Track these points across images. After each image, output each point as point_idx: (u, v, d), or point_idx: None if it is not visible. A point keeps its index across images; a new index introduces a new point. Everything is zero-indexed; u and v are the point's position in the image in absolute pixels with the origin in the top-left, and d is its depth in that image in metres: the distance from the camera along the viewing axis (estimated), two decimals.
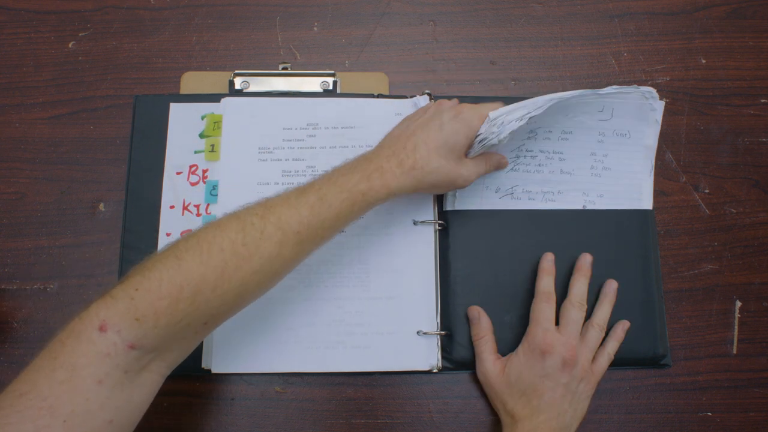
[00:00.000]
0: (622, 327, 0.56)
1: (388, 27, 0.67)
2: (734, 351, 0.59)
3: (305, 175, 0.59)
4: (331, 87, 0.63)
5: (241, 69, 0.64)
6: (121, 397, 0.39)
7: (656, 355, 0.57)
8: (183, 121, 0.61)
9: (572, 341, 0.53)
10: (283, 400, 0.56)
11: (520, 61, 0.66)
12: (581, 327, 0.54)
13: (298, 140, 0.60)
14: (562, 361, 0.52)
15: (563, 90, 0.65)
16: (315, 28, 0.67)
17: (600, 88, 0.64)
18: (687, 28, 0.68)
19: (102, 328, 0.38)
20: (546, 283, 0.56)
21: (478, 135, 0.52)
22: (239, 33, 0.66)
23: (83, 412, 0.36)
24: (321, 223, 0.46)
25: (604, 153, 0.59)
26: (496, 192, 0.58)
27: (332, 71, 0.63)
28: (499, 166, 0.58)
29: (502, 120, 0.51)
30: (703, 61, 0.67)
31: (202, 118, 0.61)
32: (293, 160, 0.60)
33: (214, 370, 0.55)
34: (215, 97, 0.61)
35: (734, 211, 0.62)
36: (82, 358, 0.37)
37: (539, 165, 0.59)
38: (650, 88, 0.56)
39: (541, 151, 0.59)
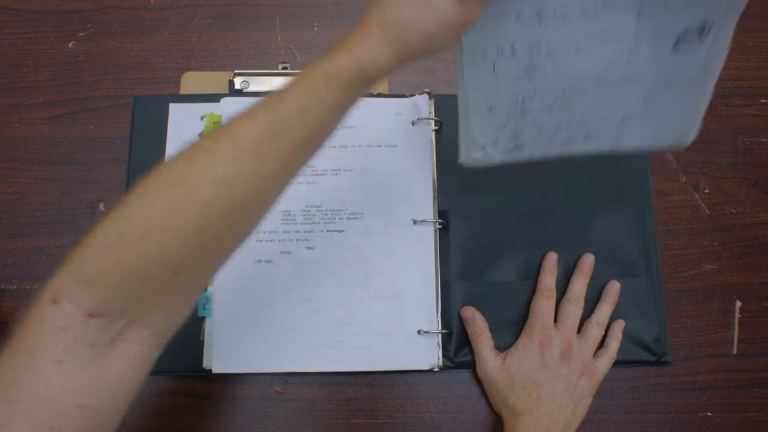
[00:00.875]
0: (620, 326, 0.56)
1: None
2: (734, 351, 0.58)
3: (305, 175, 0.59)
4: None
5: (241, 69, 0.64)
6: (90, 376, 0.33)
7: (656, 353, 0.57)
8: (183, 122, 0.61)
9: (568, 334, 0.53)
10: (283, 400, 0.56)
11: None
12: (578, 323, 0.55)
13: None
14: (560, 352, 0.52)
15: None
16: (315, 28, 0.67)
17: None
18: None
19: (55, 301, 0.33)
20: (548, 280, 0.56)
21: None
22: (239, 33, 0.66)
23: (45, 398, 0.32)
24: (282, 125, 0.36)
25: None
26: (517, 18, 0.44)
27: None
28: None
29: None
30: None
31: (202, 118, 0.61)
32: None
33: (215, 370, 0.55)
34: (215, 98, 0.61)
35: (734, 211, 0.62)
36: (39, 337, 0.33)
37: None
38: None
39: None
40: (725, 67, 0.65)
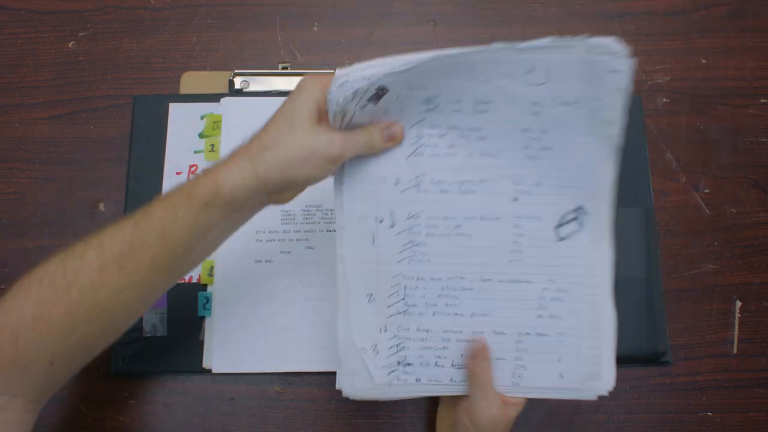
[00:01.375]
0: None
1: (388, 27, 0.67)
2: (734, 351, 0.58)
3: None
4: None
5: (241, 69, 0.64)
6: None
7: (657, 353, 0.57)
8: (182, 122, 0.61)
9: None
10: (283, 400, 0.56)
11: None
12: None
13: None
14: None
15: None
16: (315, 28, 0.67)
17: None
18: (687, 28, 0.68)
19: None
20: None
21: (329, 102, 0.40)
22: (239, 33, 0.66)
23: None
24: (144, 240, 0.39)
25: (542, 129, 0.43)
26: (396, 184, 0.44)
27: (332, 71, 0.63)
28: (392, 139, 0.43)
29: (347, 78, 0.39)
30: (703, 61, 0.67)
31: (202, 118, 0.61)
32: None
33: (215, 370, 0.55)
34: (215, 97, 0.62)
35: (734, 211, 0.62)
36: None
37: (451, 146, 0.43)
38: (607, 40, 0.39)
39: (452, 128, 0.43)
40: (725, 67, 0.66)
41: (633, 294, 0.57)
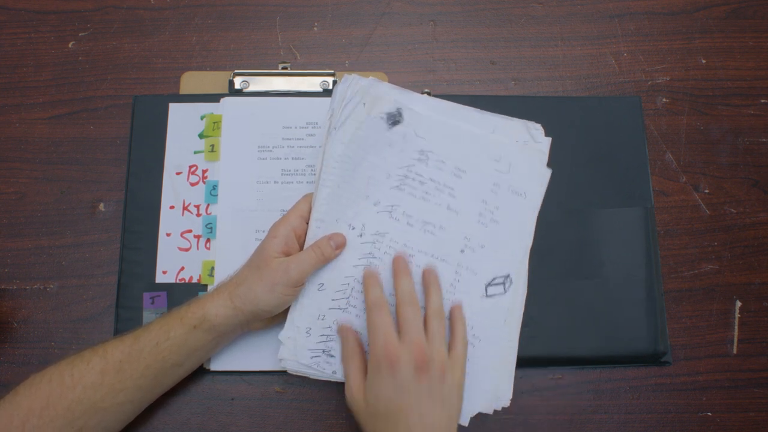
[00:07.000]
0: (458, 308, 0.51)
1: (388, 27, 0.67)
2: (734, 351, 0.58)
3: (305, 174, 0.60)
4: (330, 87, 0.63)
5: (241, 69, 0.64)
6: None
7: (657, 353, 0.57)
8: (182, 122, 0.61)
9: (415, 340, 0.46)
10: (283, 400, 0.56)
11: (520, 61, 0.66)
12: (421, 324, 0.47)
13: (297, 139, 0.60)
14: (414, 367, 0.45)
15: (563, 90, 0.65)
16: (315, 28, 0.67)
17: (596, 89, 0.65)
18: (687, 28, 0.68)
19: None
20: (374, 292, 0.49)
21: None
22: (239, 33, 0.66)
23: None
24: (140, 350, 0.47)
25: (495, 205, 0.53)
26: (375, 205, 0.52)
27: (332, 71, 0.64)
28: (339, 247, 0.50)
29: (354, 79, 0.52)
30: (703, 61, 0.67)
31: (202, 118, 0.61)
32: (293, 159, 0.60)
33: (213, 368, 0.55)
34: (215, 97, 0.62)
35: (734, 211, 0.62)
36: None
37: (426, 193, 0.52)
38: (536, 124, 0.54)
39: (431, 180, 0.53)
40: (725, 67, 0.66)
41: (633, 294, 0.58)
